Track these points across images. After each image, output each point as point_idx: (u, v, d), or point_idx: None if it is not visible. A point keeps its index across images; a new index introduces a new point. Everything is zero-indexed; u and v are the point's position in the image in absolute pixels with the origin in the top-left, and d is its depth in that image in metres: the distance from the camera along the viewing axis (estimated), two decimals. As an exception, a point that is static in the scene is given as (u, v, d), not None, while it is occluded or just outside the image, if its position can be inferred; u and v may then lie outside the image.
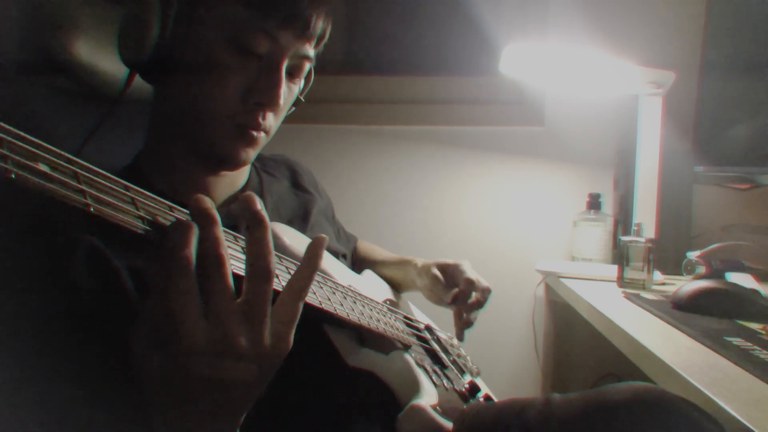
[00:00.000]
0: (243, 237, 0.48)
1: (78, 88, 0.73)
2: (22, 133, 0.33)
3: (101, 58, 0.73)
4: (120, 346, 0.51)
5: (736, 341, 0.65)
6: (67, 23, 0.70)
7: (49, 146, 0.35)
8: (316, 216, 0.81)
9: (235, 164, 0.66)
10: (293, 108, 0.73)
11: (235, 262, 0.46)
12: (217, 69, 0.60)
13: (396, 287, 0.93)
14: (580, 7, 1.40)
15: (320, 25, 0.64)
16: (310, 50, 0.66)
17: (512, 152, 1.46)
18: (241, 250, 0.48)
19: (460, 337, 0.80)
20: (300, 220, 0.78)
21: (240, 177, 0.73)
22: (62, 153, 0.36)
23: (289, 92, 0.66)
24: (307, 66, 0.68)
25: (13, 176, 0.32)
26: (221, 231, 0.41)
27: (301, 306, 0.44)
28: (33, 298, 0.49)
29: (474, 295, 0.79)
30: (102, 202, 0.37)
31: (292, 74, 0.66)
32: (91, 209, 0.36)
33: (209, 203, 0.41)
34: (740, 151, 1.35)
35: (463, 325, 0.79)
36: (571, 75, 1.21)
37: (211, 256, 0.39)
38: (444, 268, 0.85)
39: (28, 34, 0.67)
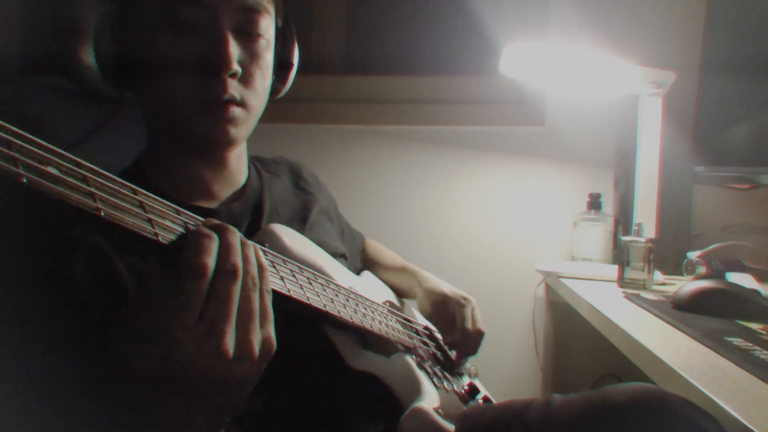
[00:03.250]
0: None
1: (79, 88, 0.73)
2: (31, 137, 0.34)
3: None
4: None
5: (737, 341, 0.65)
6: (68, 23, 0.70)
7: (58, 149, 0.35)
8: (316, 215, 0.80)
9: (219, 143, 0.64)
10: (291, 76, 0.71)
11: None
12: (163, 54, 0.59)
13: (397, 293, 0.93)
14: (580, 7, 1.40)
15: None
16: None
17: (512, 152, 1.46)
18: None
19: (458, 364, 0.81)
20: (299, 220, 0.78)
21: (239, 175, 0.73)
22: (71, 156, 0.36)
23: (248, 53, 0.63)
24: (264, 18, 0.63)
25: (24, 180, 0.32)
26: (238, 240, 0.43)
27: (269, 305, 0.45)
28: (35, 297, 0.49)
29: (467, 344, 0.79)
30: (111, 205, 0.37)
31: (245, 31, 0.62)
32: (102, 213, 0.36)
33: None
34: (740, 151, 1.35)
35: (457, 364, 0.81)
36: (571, 75, 1.21)
37: (229, 265, 0.41)
38: (444, 301, 0.83)
39: (30, 34, 0.67)
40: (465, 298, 0.82)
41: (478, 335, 0.79)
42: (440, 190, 1.48)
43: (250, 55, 0.62)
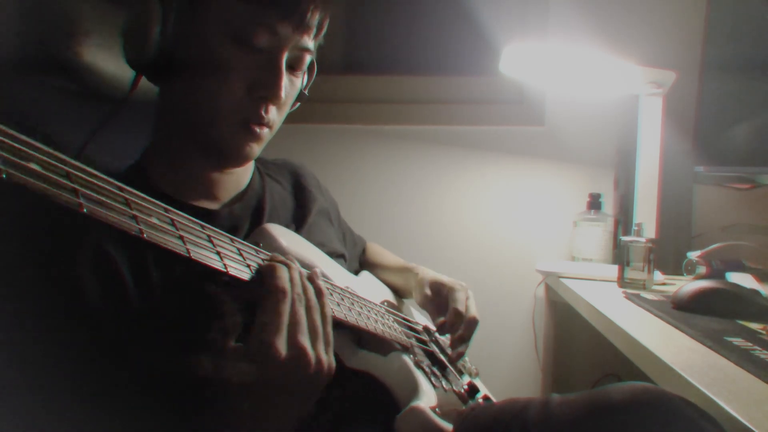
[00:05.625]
0: (242, 241, 0.51)
1: (79, 88, 0.73)
2: (14, 133, 0.34)
3: (102, 57, 0.73)
4: (121, 347, 0.51)
5: (737, 341, 0.65)
6: (68, 23, 0.70)
7: (42, 146, 0.35)
8: (314, 217, 0.80)
9: (239, 160, 0.67)
10: (298, 104, 0.73)
11: (231, 262, 0.47)
12: (219, 65, 0.61)
13: (397, 293, 0.93)
14: (581, 7, 1.40)
15: (318, 16, 0.65)
16: (310, 42, 0.66)
17: (512, 152, 1.46)
18: (237, 251, 0.49)
19: (455, 359, 0.79)
20: (298, 221, 0.78)
21: (243, 177, 0.73)
22: (54, 153, 0.36)
23: (291, 85, 0.67)
24: (308, 58, 0.68)
25: (4, 176, 0.32)
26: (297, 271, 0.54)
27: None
28: (37, 299, 0.49)
29: (460, 328, 0.77)
30: (95, 201, 0.37)
31: (293, 67, 0.66)
32: (84, 209, 0.36)
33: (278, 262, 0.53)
34: (740, 151, 1.35)
35: (455, 355, 0.78)
36: (571, 75, 1.21)
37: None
38: (439, 287, 0.83)
39: (29, 33, 0.67)
40: (461, 285, 0.83)
41: (472, 322, 0.78)
42: (440, 190, 1.48)
43: (289, 86, 0.67)
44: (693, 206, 1.29)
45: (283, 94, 0.63)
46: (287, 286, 0.51)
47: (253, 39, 0.61)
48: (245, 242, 0.53)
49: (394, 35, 1.60)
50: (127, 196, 0.41)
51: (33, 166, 0.34)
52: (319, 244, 0.74)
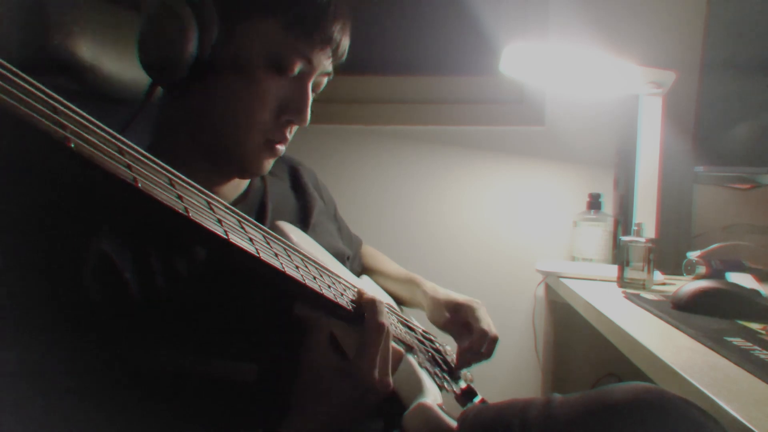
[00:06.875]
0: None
1: (79, 88, 0.73)
2: (71, 105, 0.35)
3: (103, 58, 0.73)
4: (123, 352, 0.51)
5: (737, 341, 0.65)
6: (68, 23, 0.70)
7: (94, 120, 0.37)
8: (317, 216, 0.81)
9: (256, 174, 0.68)
10: None
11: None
12: (253, 85, 0.61)
13: (399, 303, 0.92)
14: (581, 7, 1.40)
15: (346, 46, 0.67)
16: (331, 67, 0.68)
17: (512, 152, 1.46)
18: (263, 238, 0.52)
19: (458, 369, 0.80)
20: (301, 221, 0.78)
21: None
22: (106, 128, 0.38)
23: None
24: (326, 81, 0.71)
25: (73, 145, 0.33)
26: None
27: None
28: (40, 302, 0.49)
29: (484, 347, 0.78)
30: (145, 177, 0.39)
31: (313, 89, 0.68)
32: (139, 184, 0.37)
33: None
34: (740, 151, 1.35)
35: (463, 365, 0.79)
36: (571, 75, 1.21)
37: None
38: (456, 307, 0.83)
39: (29, 33, 0.67)
40: (477, 302, 0.83)
41: (494, 340, 0.78)
42: (440, 190, 1.48)
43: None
44: (693, 206, 1.29)
45: (308, 119, 0.65)
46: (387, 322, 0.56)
47: (289, 65, 0.62)
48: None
49: (394, 35, 1.60)
50: (170, 176, 0.43)
51: (92, 138, 0.35)
52: (325, 245, 0.74)
